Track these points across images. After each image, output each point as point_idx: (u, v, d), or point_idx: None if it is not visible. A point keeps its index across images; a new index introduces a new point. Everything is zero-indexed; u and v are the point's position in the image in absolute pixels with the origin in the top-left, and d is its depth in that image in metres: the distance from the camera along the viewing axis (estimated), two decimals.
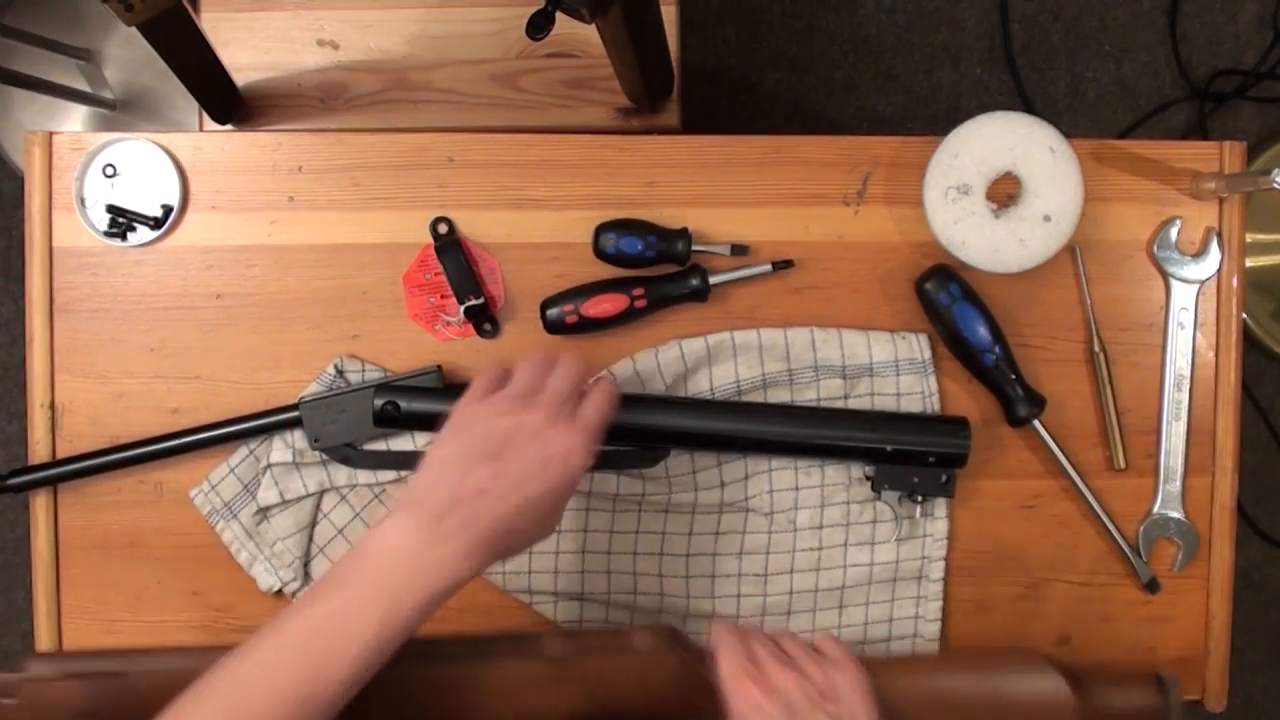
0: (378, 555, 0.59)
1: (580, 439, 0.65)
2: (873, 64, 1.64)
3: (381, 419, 0.77)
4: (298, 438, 0.80)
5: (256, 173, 0.82)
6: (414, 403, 0.76)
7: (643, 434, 0.78)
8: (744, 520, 0.82)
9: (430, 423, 0.74)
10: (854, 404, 0.81)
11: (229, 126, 1.07)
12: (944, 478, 0.79)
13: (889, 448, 0.77)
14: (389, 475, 0.80)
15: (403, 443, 0.81)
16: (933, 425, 0.79)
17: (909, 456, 0.78)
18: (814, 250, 0.82)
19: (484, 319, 0.81)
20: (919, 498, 0.80)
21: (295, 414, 0.78)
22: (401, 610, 0.58)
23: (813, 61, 1.64)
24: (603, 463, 0.79)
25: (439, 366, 0.79)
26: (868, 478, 0.80)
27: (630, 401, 0.76)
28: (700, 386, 0.81)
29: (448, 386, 0.79)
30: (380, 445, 0.80)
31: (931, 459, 0.78)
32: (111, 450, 0.80)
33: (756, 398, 0.81)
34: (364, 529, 0.82)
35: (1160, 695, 0.69)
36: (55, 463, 0.81)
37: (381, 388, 0.77)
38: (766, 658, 0.64)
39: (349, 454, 0.79)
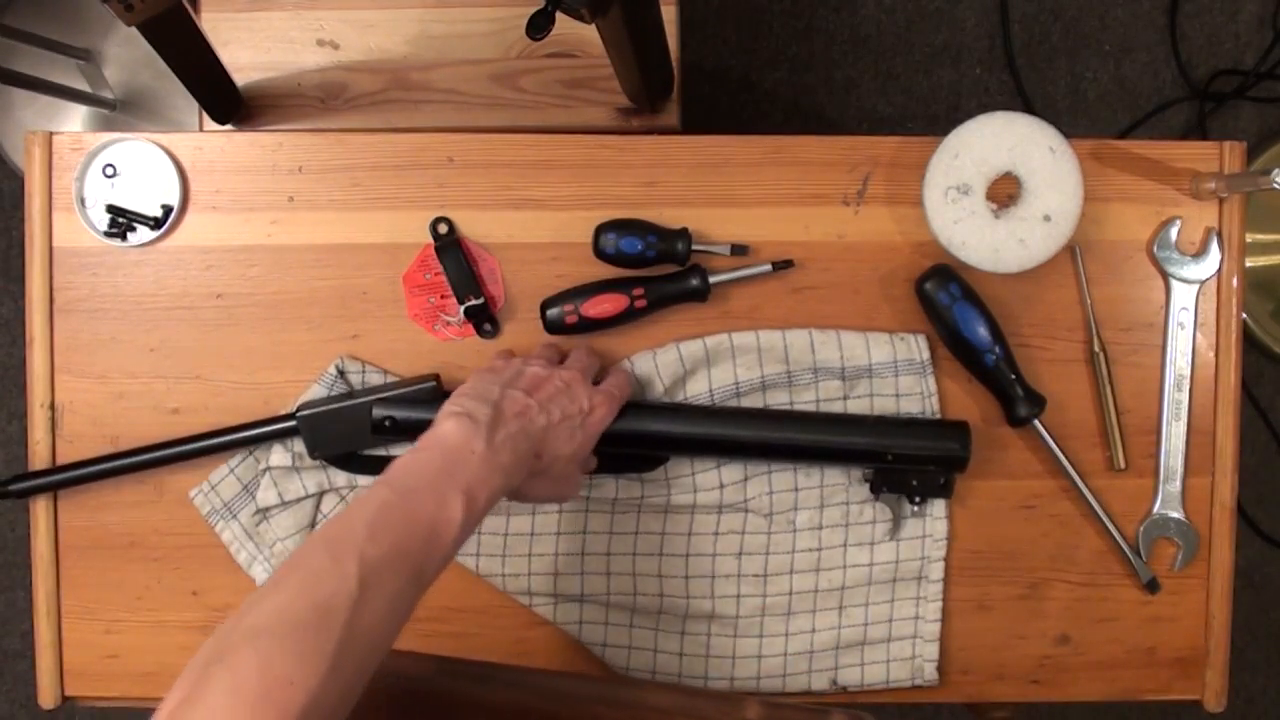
0: (447, 450, 0.62)
1: (603, 401, 0.71)
2: (873, 64, 1.64)
3: (379, 431, 0.77)
4: (297, 441, 0.80)
5: (256, 173, 0.82)
6: (413, 414, 0.76)
7: (642, 440, 0.77)
8: (743, 520, 0.82)
9: None
10: (853, 405, 0.81)
11: (229, 126, 1.07)
12: (942, 480, 0.79)
13: (890, 454, 0.77)
14: None
15: (403, 449, 0.81)
16: (933, 430, 0.79)
17: (909, 461, 0.78)
18: (814, 250, 0.82)
19: (484, 319, 0.81)
20: (916, 499, 0.80)
21: (292, 424, 0.78)
22: (477, 505, 0.61)
23: (813, 61, 1.64)
24: (601, 466, 0.79)
25: (437, 376, 0.79)
26: (866, 479, 0.81)
27: (630, 408, 0.76)
28: (699, 389, 0.81)
29: (445, 395, 0.78)
30: (380, 450, 0.80)
31: (932, 465, 0.78)
32: (110, 457, 0.80)
33: (755, 400, 0.81)
34: None
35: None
36: (54, 469, 0.80)
37: (380, 401, 0.76)
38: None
39: (348, 461, 0.79)
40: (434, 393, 0.78)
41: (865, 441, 0.77)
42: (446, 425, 0.64)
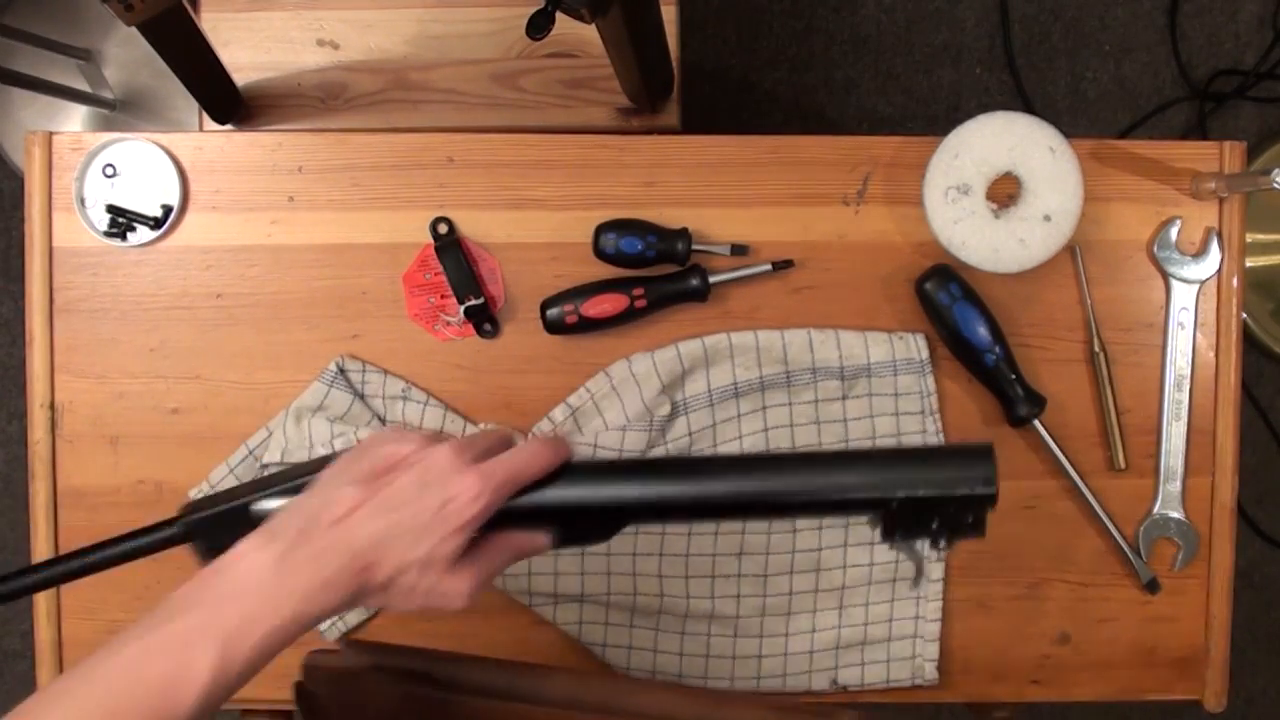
0: (220, 585, 0.52)
1: (479, 487, 0.54)
2: (873, 64, 1.64)
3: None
4: (291, 438, 0.80)
5: (256, 173, 0.82)
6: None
7: (578, 514, 0.60)
8: (743, 521, 0.82)
9: None
10: (851, 405, 0.81)
11: (229, 126, 1.07)
12: (970, 518, 0.60)
13: (894, 501, 0.59)
14: None
15: None
16: (950, 461, 0.61)
17: (921, 505, 0.60)
18: (814, 250, 0.82)
19: (484, 319, 0.81)
20: (941, 542, 0.61)
21: (175, 531, 0.60)
22: (240, 652, 0.49)
23: (813, 61, 1.64)
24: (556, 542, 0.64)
25: (330, 457, 0.60)
26: (873, 525, 0.63)
27: (565, 472, 0.59)
28: (697, 388, 0.80)
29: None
30: None
31: (951, 506, 0.60)
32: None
33: (754, 400, 0.81)
34: None
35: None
36: None
37: (262, 496, 0.60)
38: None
39: None
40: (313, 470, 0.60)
41: (864, 484, 0.60)
42: (240, 546, 0.53)
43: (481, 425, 0.81)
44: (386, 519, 0.53)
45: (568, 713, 0.63)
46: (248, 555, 0.52)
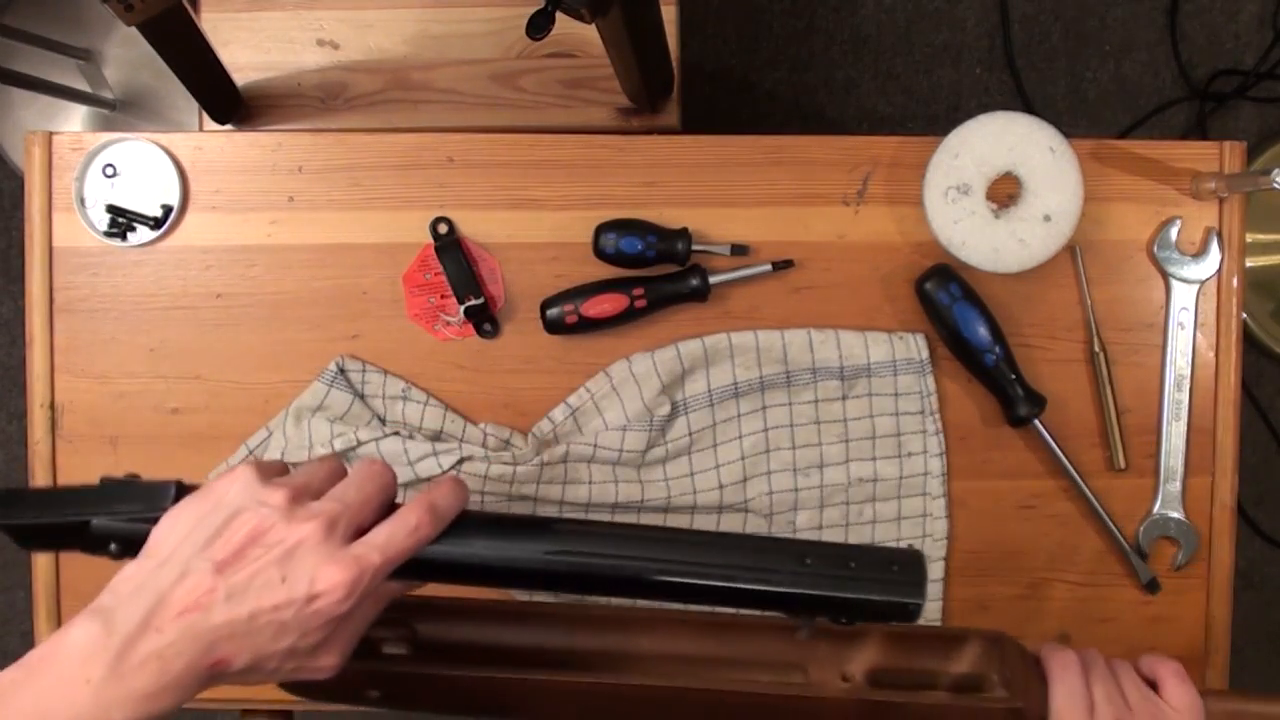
0: (40, 686, 0.44)
1: (351, 581, 0.48)
2: (873, 64, 1.64)
3: (100, 551, 0.53)
4: (291, 438, 0.80)
5: (256, 173, 0.82)
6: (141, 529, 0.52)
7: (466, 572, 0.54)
8: (743, 521, 0.82)
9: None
10: (851, 405, 0.81)
11: (229, 126, 1.07)
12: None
13: (803, 596, 0.52)
14: None
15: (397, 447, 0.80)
16: (870, 563, 0.54)
17: (832, 606, 0.53)
18: (814, 250, 0.82)
19: (484, 319, 0.81)
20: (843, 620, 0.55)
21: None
22: None
23: (813, 61, 1.64)
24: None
25: (178, 483, 0.53)
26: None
27: (462, 526, 0.53)
28: (697, 388, 0.81)
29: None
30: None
31: (865, 609, 0.53)
32: None
33: (754, 400, 0.81)
34: None
35: None
36: None
37: (100, 514, 0.52)
38: (1103, 705, 0.56)
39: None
40: (165, 502, 0.52)
41: (755, 575, 0.53)
42: (70, 635, 0.45)
43: (482, 425, 0.81)
44: (245, 610, 0.47)
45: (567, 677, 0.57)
46: (79, 646, 0.45)
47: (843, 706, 0.57)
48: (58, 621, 0.82)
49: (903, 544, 0.82)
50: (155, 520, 0.50)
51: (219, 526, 0.49)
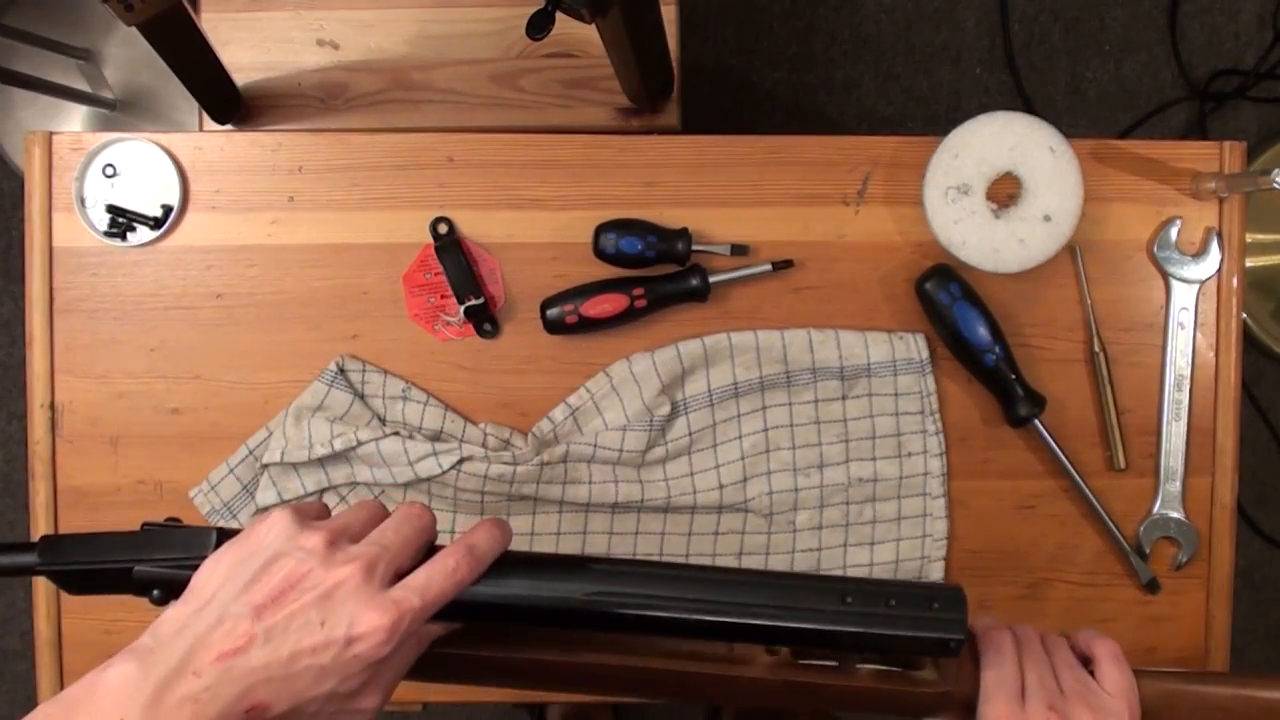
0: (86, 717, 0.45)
1: (391, 625, 0.48)
2: (873, 64, 1.64)
3: (144, 593, 0.54)
4: (291, 438, 0.80)
5: (256, 173, 0.82)
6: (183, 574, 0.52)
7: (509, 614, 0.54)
8: (743, 520, 0.82)
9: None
10: (851, 405, 0.81)
11: (229, 126, 1.07)
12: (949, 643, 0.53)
13: (843, 634, 0.53)
14: (386, 476, 0.80)
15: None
16: (910, 601, 0.53)
17: (872, 643, 0.53)
18: (814, 250, 0.82)
19: (484, 319, 0.81)
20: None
21: (30, 560, 0.54)
22: None
23: (813, 61, 1.64)
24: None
25: (218, 530, 0.54)
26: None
27: (507, 565, 0.53)
28: (698, 388, 0.81)
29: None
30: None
31: (905, 646, 0.54)
32: None
33: (754, 400, 0.81)
34: None
35: None
36: None
37: (143, 560, 0.53)
38: (1035, 690, 0.55)
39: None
40: (206, 549, 0.52)
41: (806, 613, 0.53)
42: (108, 674, 0.46)
43: (482, 425, 0.81)
44: (283, 653, 0.47)
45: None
46: (116, 686, 0.45)
47: (764, 685, 0.55)
48: (58, 620, 0.82)
49: (902, 543, 0.82)
50: (196, 566, 0.51)
51: (257, 571, 0.49)
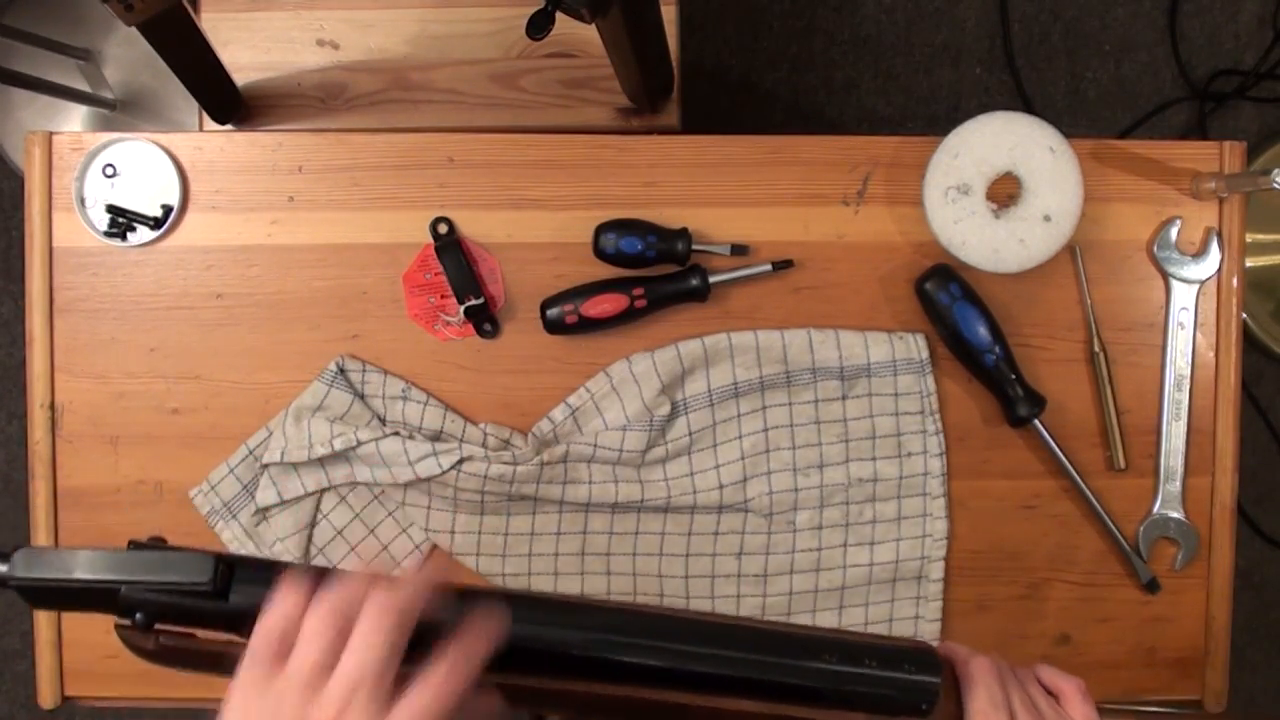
0: None
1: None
2: (873, 64, 1.64)
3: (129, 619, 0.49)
4: (291, 438, 0.80)
5: (256, 173, 0.82)
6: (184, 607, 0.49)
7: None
8: (743, 520, 0.82)
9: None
10: (851, 405, 0.81)
11: (229, 126, 1.07)
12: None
13: (820, 692, 0.53)
14: (386, 476, 0.80)
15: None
16: (887, 661, 0.54)
17: (846, 702, 0.54)
18: (814, 250, 0.82)
19: (484, 319, 0.81)
20: None
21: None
22: None
23: (813, 61, 1.64)
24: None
25: (227, 566, 0.50)
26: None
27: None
28: (697, 388, 0.81)
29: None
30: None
31: (879, 706, 0.54)
32: None
33: (754, 400, 0.81)
34: (363, 530, 0.82)
35: None
36: None
37: (136, 584, 0.49)
38: (1020, 711, 0.56)
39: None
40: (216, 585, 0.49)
41: (784, 669, 0.53)
42: None
43: (482, 425, 0.81)
44: None
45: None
46: None
47: (754, 718, 0.55)
48: (58, 620, 0.82)
49: (902, 543, 0.82)
50: (191, 591, 0.48)
51: (280, 694, 0.46)
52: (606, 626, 0.52)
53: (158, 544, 0.51)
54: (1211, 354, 0.83)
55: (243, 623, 0.48)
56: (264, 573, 0.49)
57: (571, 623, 0.52)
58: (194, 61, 0.97)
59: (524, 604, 0.52)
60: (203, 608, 0.48)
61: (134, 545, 0.51)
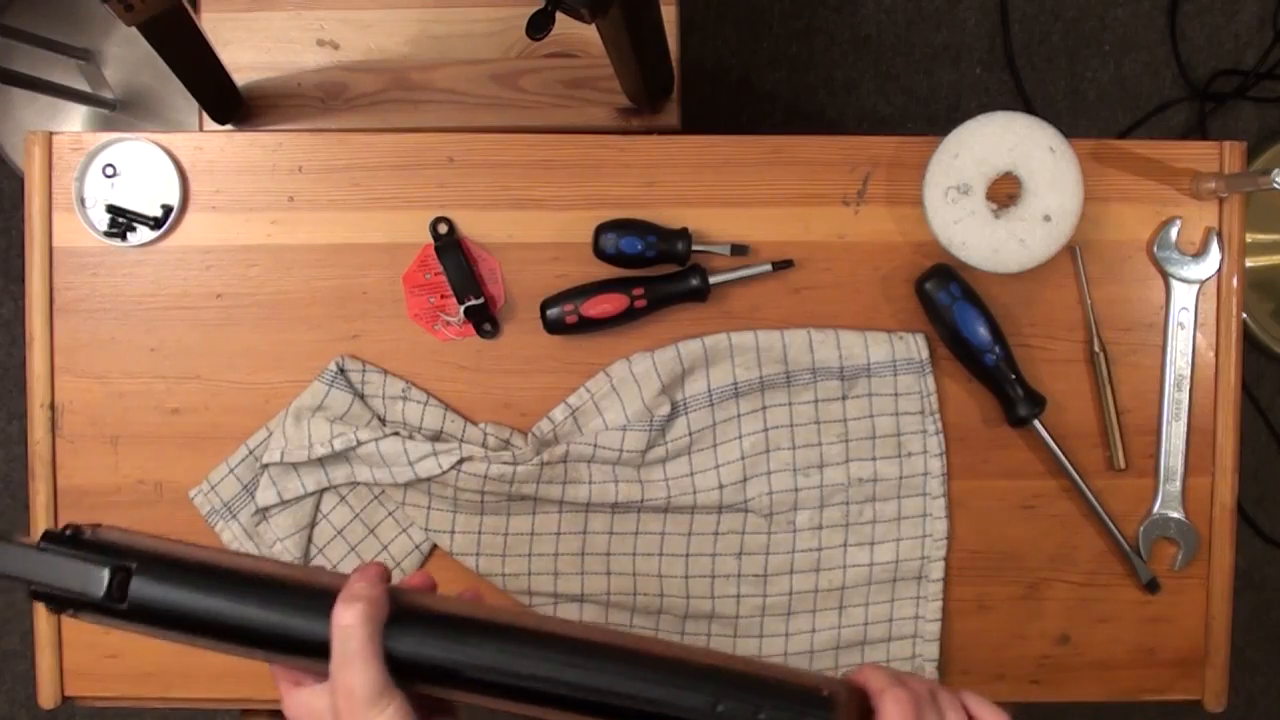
0: None
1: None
2: (873, 64, 1.64)
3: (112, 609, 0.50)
4: (291, 438, 0.80)
5: (256, 173, 0.82)
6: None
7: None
8: (743, 520, 0.82)
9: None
10: (851, 405, 0.81)
11: (229, 126, 1.07)
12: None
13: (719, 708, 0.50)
14: (386, 476, 0.80)
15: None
16: (781, 711, 0.50)
17: None
18: (814, 250, 0.82)
19: (484, 319, 0.81)
20: None
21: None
22: None
23: (813, 61, 1.64)
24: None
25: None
26: None
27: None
28: (697, 388, 0.81)
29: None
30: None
31: None
32: None
33: (754, 400, 0.81)
34: (363, 530, 0.82)
35: None
36: None
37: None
38: None
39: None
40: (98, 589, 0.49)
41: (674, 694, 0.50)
42: None
43: (482, 425, 0.81)
44: None
45: None
46: None
47: None
48: (58, 620, 0.82)
49: (902, 543, 0.82)
50: (84, 603, 0.49)
51: None
52: (518, 646, 0.51)
53: (73, 535, 0.51)
54: (1211, 354, 0.83)
55: (146, 621, 0.49)
56: (167, 571, 0.50)
57: (452, 638, 0.51)
58: (194, 61, 0.97)
59: (427, 620, 0.51)
60: (101, 607, 0.49)
61: (48, 537, 0.51)
